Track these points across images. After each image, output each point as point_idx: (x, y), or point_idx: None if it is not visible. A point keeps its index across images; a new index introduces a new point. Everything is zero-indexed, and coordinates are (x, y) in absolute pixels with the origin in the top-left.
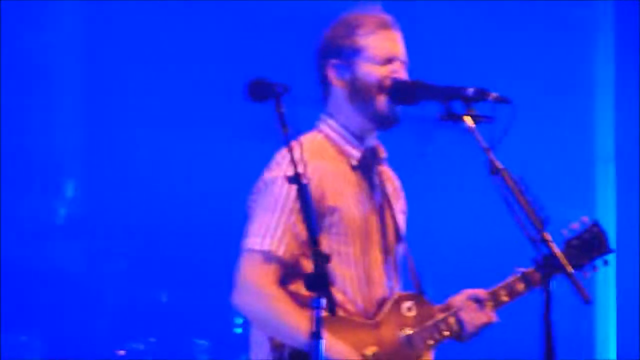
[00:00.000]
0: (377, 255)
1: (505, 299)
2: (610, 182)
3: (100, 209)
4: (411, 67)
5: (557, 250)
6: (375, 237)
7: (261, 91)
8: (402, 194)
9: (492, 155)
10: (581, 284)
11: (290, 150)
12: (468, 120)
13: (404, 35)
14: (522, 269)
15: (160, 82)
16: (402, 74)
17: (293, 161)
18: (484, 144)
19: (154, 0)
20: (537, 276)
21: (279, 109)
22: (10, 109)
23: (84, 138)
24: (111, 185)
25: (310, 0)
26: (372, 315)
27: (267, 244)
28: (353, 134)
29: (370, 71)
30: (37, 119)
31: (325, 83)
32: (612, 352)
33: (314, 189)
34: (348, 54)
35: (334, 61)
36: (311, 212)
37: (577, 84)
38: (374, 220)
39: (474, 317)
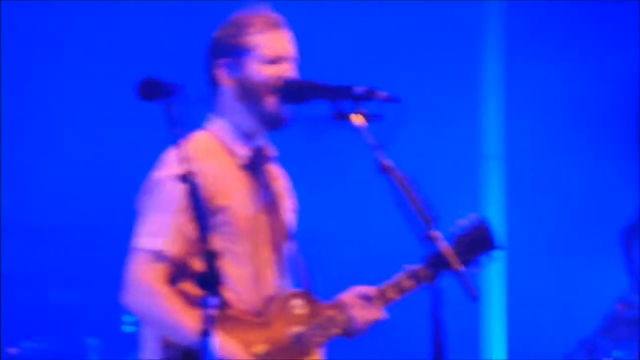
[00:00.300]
0: (267, 253)
1: (393, 295)
2: (500, 179)
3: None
4: (301, 67)
5: (445, 247)
6: (265, 235)
7: (152, 90)
8: (292, 193)
9: (381, 154)
10: (468, 281)
11: (180, 150)
12: (357, 119)
13: (294, 34)
14: (411, 266)
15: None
16: (292, 73)
17: (183, 160)
18: (373, 143)
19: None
20: (426, 273)
21: (169, 108)
22: None
23: None
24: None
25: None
26: (262, 314)
27: (158, 244)
28: (242, 133)
29: (259, 71)
30: None
31: (214, 82)
32: (502, 350)
33: (203, 188)
34: (238, 53)
35: (223, 60)
36: (202, 211)
37: (466, 81)
38: (263, 219)
39: (363, 314)
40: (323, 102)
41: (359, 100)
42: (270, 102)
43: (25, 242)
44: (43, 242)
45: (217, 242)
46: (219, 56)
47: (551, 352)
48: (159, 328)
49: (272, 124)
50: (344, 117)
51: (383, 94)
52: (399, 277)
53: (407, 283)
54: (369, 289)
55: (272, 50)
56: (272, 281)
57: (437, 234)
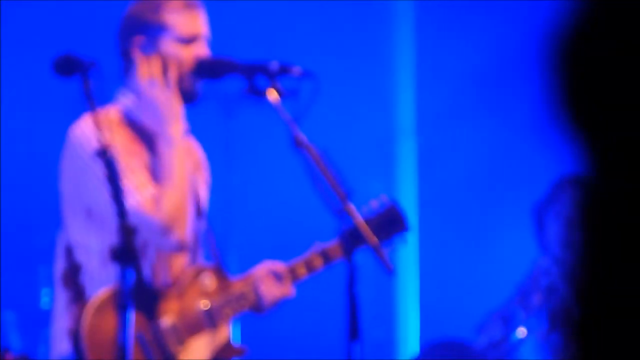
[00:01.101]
0: None
1: (303, 272)
2: (412, 156)
3: None
4: (216, 43)
5: (361, 221)
6: None
7: (68, 66)
8: (205, 165)
9: (296, 129)
10: (384, 254)
11: (96, 124)
12: (272, 95)
13: (208, 11)
14: (322, 244)
15: None
16: (205, 52)
17: (99, 135)
18: (288, 118)
19: None
20: (336, 252)
21: (85, 84)
22: None
23: None
24: None
25: None
26: (172, 286)
27: None
28: None
29: (173, 49)
30: None
31: (127, 58)
32: (416, 325)
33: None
34: (152, 31)
35: (138, 37)
36: (118, 185)
37: (378, 57)
38: None
39: (272, 291)
40: (238, 78)
41: (274, 76)
42: (182, 79)
43: None
44: None
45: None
46: (134, 33)
47: (466, 326)
48: None
49: (183, 99)
50: (259, 93)
51: (297, 69)
52: (309, 254)
53: (317, 261)
54: (279, 266)
55: (188, 29)
56: (182, 255)
57: (352, 208)
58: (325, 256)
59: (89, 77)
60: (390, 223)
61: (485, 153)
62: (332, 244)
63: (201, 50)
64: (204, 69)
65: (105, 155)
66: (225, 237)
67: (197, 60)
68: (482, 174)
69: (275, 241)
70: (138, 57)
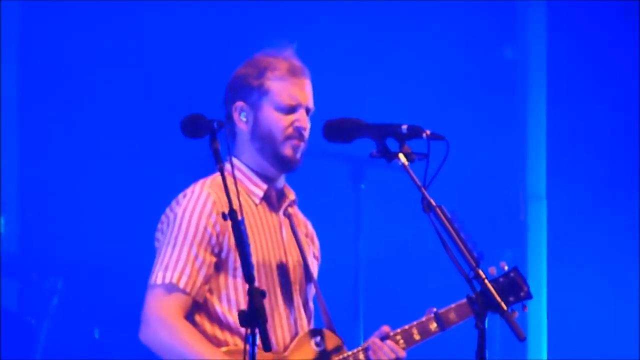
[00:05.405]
0: (282, 292)
1: (417, 337)
2: (542, 219)
3: (32, 245)
4: (343, 103)
5: (491, 287)
6: (281, 274)
7: (196, 127)
8: (315, 240)
9: (425, 192)
10: (515, 321)
11: (225, 186)
12: (402, 158)
13: (337, 74)
14: (436, 309)
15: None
16: (305, 123)
17: (228, 198)
18: (418, 182)
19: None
20: (451, 317)
21: (214, 144)
22: None
23: (16, 174)
24: (42, 222)
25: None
26: (285, 350)
27: (169, 278)
28: (257, 174)
29: (273, 117)
30: None
31: (231, 122)
32: None
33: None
34: (254, 96)
35: (239, 103)
36: (246, 248)
37: (509, 121)
38: (280, 258)
39: (384, 354)
40: (366, 141)
41: (404, 139)
42: (282, 147)
43: (68, 280)
44: (84, 280)
45: (232, 280)
46: (236, 97)
47: None
48: None
49: (283, 167)
50: (389, 155)
51: (428, 132)
52: (424, 319)
53: (431, 326)
54: (394, 331)
55: (288, 98)
56: (290, 319)
57: (482, 273)
58: (440, 321)
59: (217, 138)
60: (512, 290)
61: (617, 217)
62: (445, 310)
63: (300, 121)
64: (333, 132)
65: (232, 219)
66: (352, 300)
67: (326, 123)
68: (612, 238)
69: (401, 304)
70: (238, 123)
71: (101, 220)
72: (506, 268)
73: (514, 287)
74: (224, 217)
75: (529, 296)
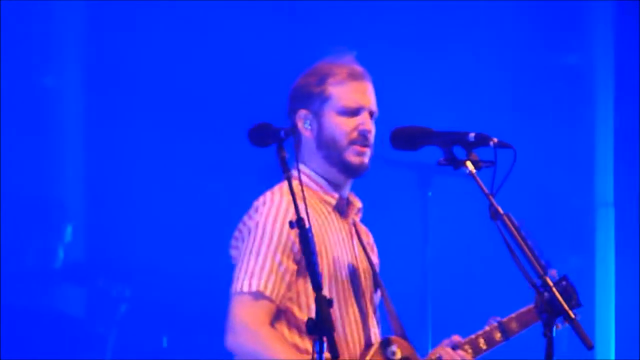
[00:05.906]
0: (356, 299)
1: (483, 347)
2: (610, 226)
3: (99, 253)
4: (404, 112)
5: (559, 295)
6: (354, 282)
7: (264, 136)
8: (375, 249)
9: (493, 200)
10: (583, 329)
11: (292, 194)
12: (469, 166)
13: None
14: (499, 319)
15: (157, 130)
16: (369, 126)
17: (295, 205)
18: (486, 189)
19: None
20: (513, 326)
21: (281, 153)
22: (9, 151)
23: (83, 181)
24: (109, 230)
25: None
26: (360, 358)
27: (255, 285)
28: (326, 181)
29: (336, 122)
30: (37, 163)
31: (295, 130)
32: None
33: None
34: (316, 103)
35: (302, 112)
36: (313, 256)
37: (576, 128)
38: (353, 266)
39: None
40: (432, 149)
41: (471, 147)
42: (347, 153)
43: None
44: (153, 288)
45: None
46: (299, 105)
47: None
48: None
49: (350, 173)
50: (456, 163)
51: (495, 140)
52: (488, 328)
53: (496, 335)
54: (462, 340)
55: (351, 102)
56: (364, 326)
57: (550, 281)
58: (503, 330)
59: (284, 147)
60: (564, 299)
61: None
62: (510, 319)
63: (364, 125)
64: (400, 140)
65: (300, 226)
66: (420, 308)
67: (394, 130)
68: None
69: (469, 312)
70: (303, 131)
71: (168, 228)
72: (556, 277)
73: (566, 296)
74: (291, 225)
75: (578, 304)
